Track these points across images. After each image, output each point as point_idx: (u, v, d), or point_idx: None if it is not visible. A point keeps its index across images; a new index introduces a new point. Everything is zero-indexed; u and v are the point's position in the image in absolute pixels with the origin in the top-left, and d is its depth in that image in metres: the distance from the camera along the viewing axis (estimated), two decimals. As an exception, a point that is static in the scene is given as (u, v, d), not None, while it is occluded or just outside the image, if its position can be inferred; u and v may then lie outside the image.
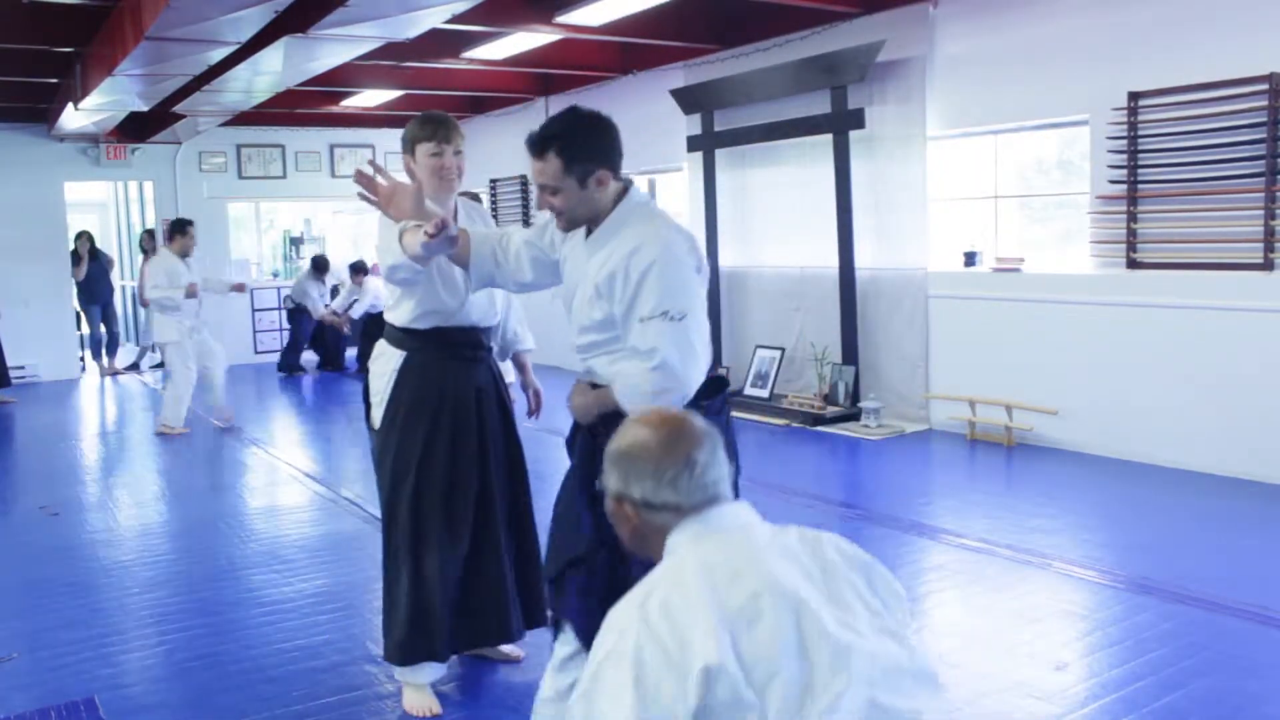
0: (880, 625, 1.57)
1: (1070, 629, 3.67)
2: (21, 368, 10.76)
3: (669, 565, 1.60)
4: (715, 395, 2.71)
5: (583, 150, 2.50)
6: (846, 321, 7.40)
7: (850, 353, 7.40)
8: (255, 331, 12.50)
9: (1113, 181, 5.89)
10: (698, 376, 2.50)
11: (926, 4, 6.80)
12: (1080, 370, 6.14)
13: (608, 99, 9.86)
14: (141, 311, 13.08)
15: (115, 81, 6.82)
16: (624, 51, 9.10)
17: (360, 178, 2.92)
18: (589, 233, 2.60)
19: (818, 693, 1.46)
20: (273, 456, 7.14)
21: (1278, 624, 3.58)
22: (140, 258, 12.66)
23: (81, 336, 12.16)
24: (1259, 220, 5.31)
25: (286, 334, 11.77)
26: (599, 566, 2.57)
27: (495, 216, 10.85)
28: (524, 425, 3.40)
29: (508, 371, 3.56)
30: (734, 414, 8.84)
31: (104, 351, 11.77)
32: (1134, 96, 5.74)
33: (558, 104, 10.58)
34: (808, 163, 7.67)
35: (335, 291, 11.69)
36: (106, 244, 13.68)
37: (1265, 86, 5.20)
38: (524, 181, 11.14)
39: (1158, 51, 5.67)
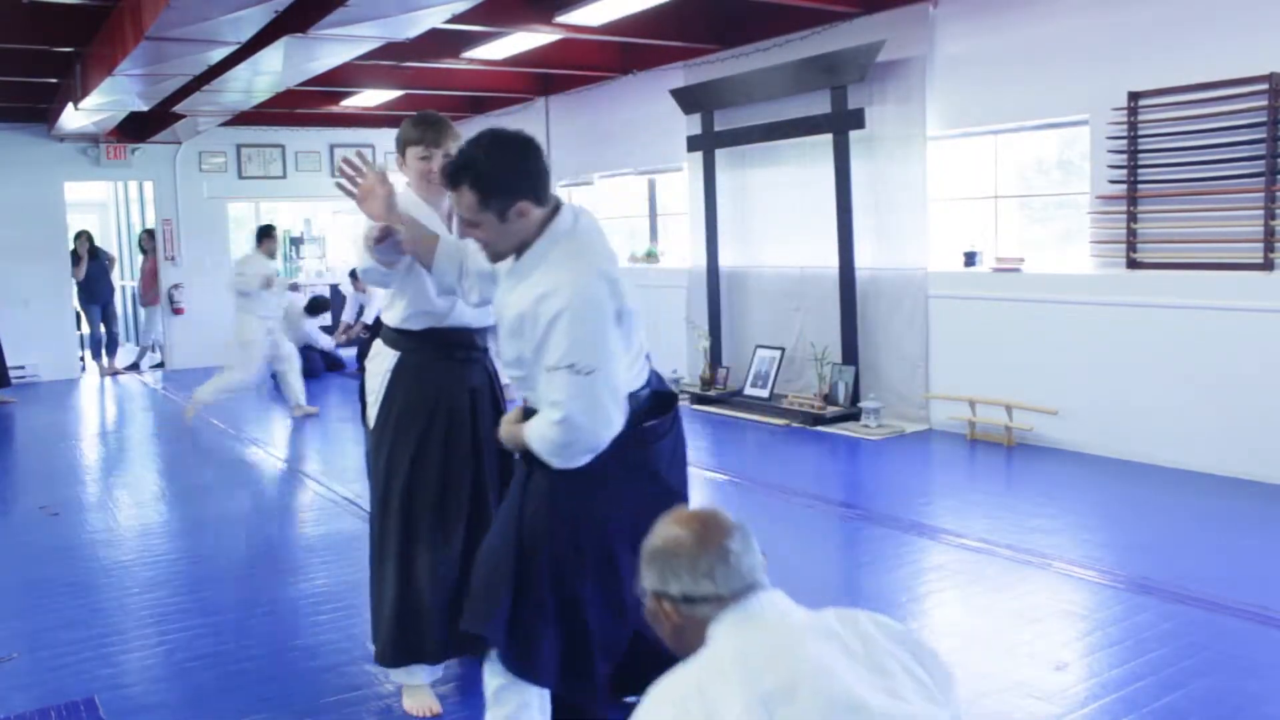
0: (927, 694, 1.57)
1: (1070, 629, 3.67)
2: (21, 368, 10.76)
3: (706, 653, 1.60)
4: (664, 414, 2.67)
5: (498, 182, 2.38)
6: (846, 321, 7.40)
7: (850, 353, 7.40)
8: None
9: (1113, 181, 5.89)
10: (608, 432, 2.40)
11: (926, 4, 6.80)
12: (1080, 370, 6.14)
13: (608, 99, 9.87)
14: (141, 311, 13.11)
15: (115, 81, 6.82)
16: (624, 51, 9.09)
17: (345, 167, 2.92)
18: (518, 256, 2.49)
19: None
20: (273, 456, 7.14)
21: (1278, 624, 3.58)
22: (140, 258, 12.70)
23: (81, 336, 12.16)
24: (1259, 220, 5.31)
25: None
26: (528, 592, 2.52)
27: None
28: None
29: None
30: (734, 414, 8.82)
31: (104, 351, 11.78)
32: (1134, 96, 5.74)
33: (558, 104, 10.59)
34: (808, 163, 7.67)
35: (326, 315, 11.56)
36: (106, 244, 13.67)
37: (1265, 86, 5.20)
38: (524, 181, 11.13)
39: (1158, 51, 5.67)
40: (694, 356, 8.73)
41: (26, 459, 7.59)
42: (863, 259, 7.31)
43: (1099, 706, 3.04)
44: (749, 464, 6.39)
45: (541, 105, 10.77)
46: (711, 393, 8.25)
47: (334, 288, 12.66)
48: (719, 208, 8.47)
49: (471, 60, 8.59)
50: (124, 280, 13.96)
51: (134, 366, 12.30)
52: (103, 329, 11.75)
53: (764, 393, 7.91)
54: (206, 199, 12.17)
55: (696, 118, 8.48)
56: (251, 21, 5.38)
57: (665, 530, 1.73)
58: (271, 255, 8.63)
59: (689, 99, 8.48)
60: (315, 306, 10.96)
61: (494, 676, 2.59)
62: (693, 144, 8.58)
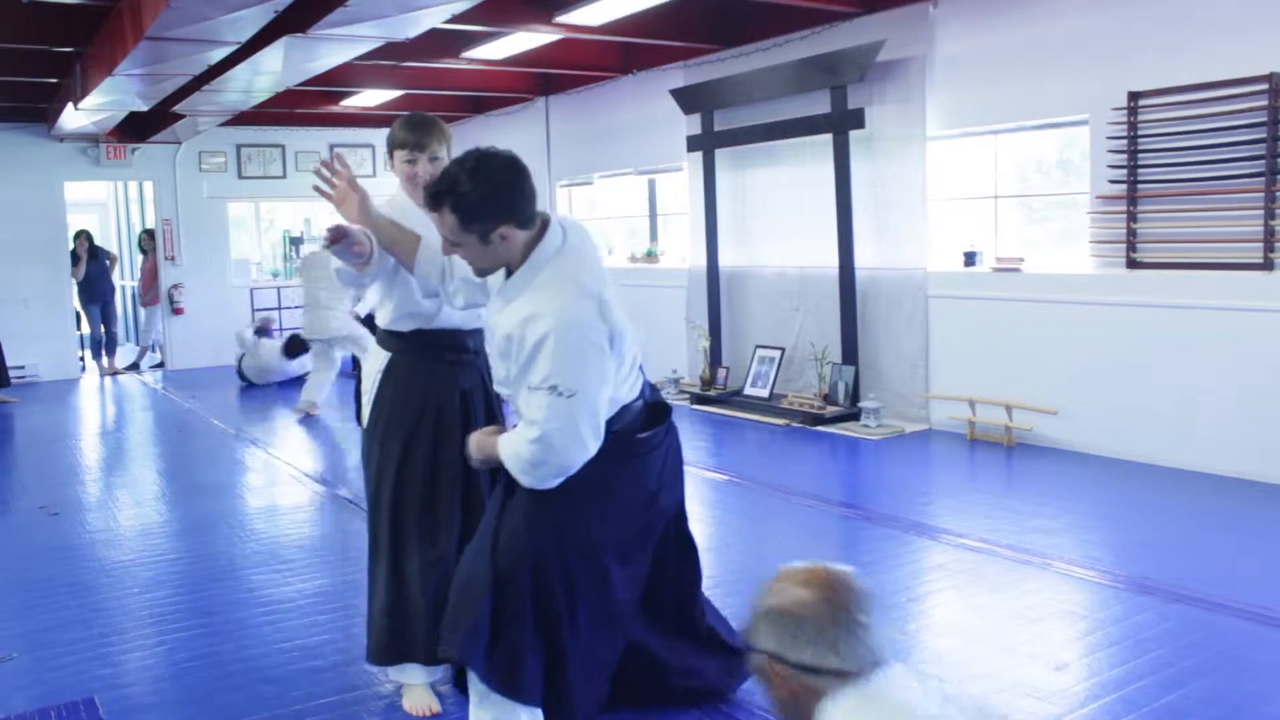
0: None
1: (1070, 629, 3.67)
2: (21, 368, 10.76)
3: None
4: (657, 425, 2.69)
5: (478, 208, 2.38)
6: (846, 321, 7.40)
7: (850, 353, 7.40)
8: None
9: (1112, 181, 5.89)
10: (580, 456, 2.42)
11: (926, 4, 6.80)
12: (1080, 370, 6.14)
13: (608, 99, 9.87)
14: (141, 311, 13.10)
15: (115, 81, 6.82)
16: (624, 51, 9.09)
17: (322, 170, 2.92)
18: (508, 274, 2.51)
19: None
20: (272, 456, 7.14)
21: (1278, 624, 3.58)
22: (140, 258, 12.70)
23: (81, 336, 12.16)
24: (1259, 220, 5.31)
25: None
26: (508, 608, 2.54)
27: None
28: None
29: None
30: (734, 414, 8.79)
31: (103, 351, 11.77)
32: (1134, 96, 5.74)
33: (558, 104, 10.60)
34: (808, 163, 7.67)
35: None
36: (106, 244, 13.67)
37: (1265, 86, 5.20)
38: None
39: (1158, 51, 5.67)
40: (694, 356, 8.73)
41: (26, 459, 7.59)
42: (863, 259, 7.31)
43: (1099, 706, 3.04)
44: (749, 464, 6.38)
45: (541, 105, 10.77)
46: (711, 393, 8.25)
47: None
48: (719, 208, 8.47)
49: (471, 60, 8.59)
50: (124, 280, 13.95)
51: (134, 366, 12.30)
52: (102, 329, 11.75)
53: (764, 393, 7.91)
54: (206, 199, 12.17)
55: (696, 118, 8.48)
56: (251, 21, 5.37)
57: (789, 590, 1.59)
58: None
59: (689, 99, 8.48)
60: (293, 349, 10.42)
61: (477, 683, 2.61)
62: (693, 144, 8.58)
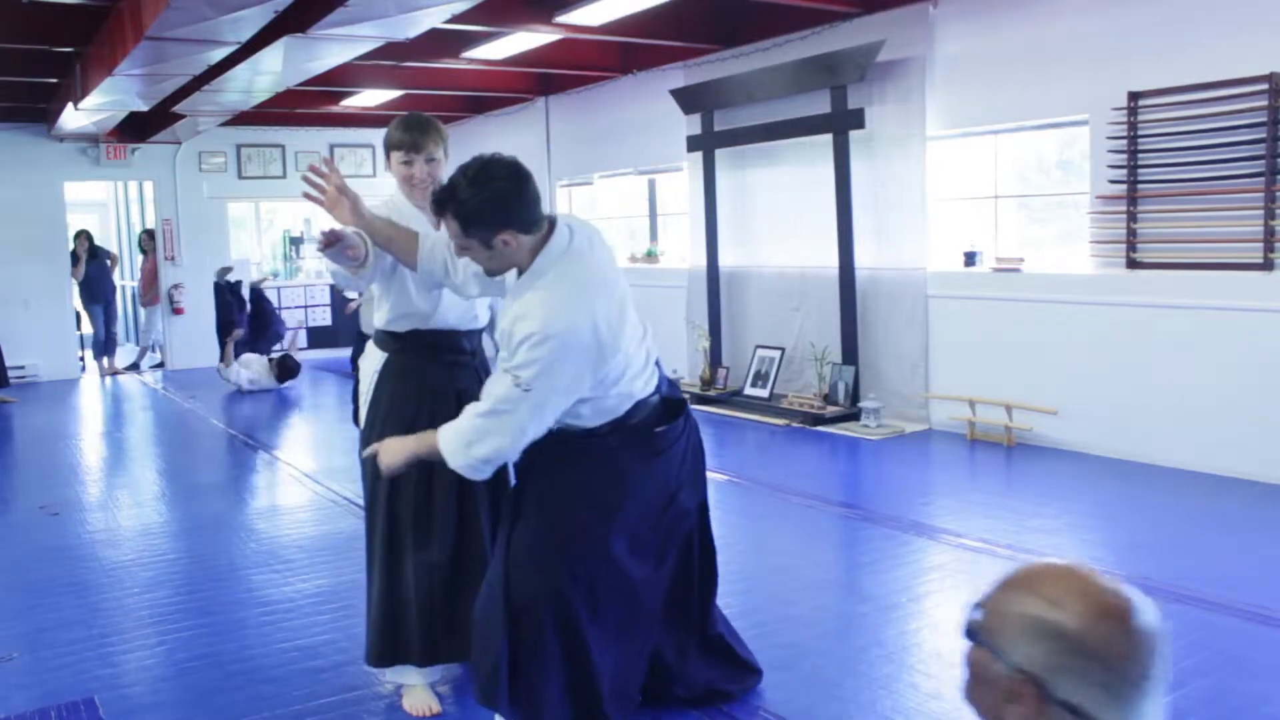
0: None
1: (1070, 629, 3.66)
2: (21, 368, 10.76)
3: None
4: (674, 419, 2.70)
5: (480, 215, 2.43)
6: (846, 321, 7.40)
7: (850, 353, 7.40)
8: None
9: (1113, 181, 5.89)
10: (513, 448, 2.52)
11: (926, 4, 6.80)
12: (1080, 370, 6.14)
13: (608, 99, 9.87)
14: (141, 311, 13.11)
15: (115, 81, 6.82)
16: (624, 51, 9.09)
17: (311, 175, 2.92)
18: (519, 273, 2.57)
19: None
20: (272, 456, 7.14)
21: (1278, 624, 3.58)
22: (140, 257, 12.70)
23: (81, 336, 12.15)
24: (1259, 220, 5.31)
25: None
26: (525, 637, 2.57)
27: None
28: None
29: None
30: (734, 414, 8.77)
31: (104, 351, 11.77)
32: (1134, 96, 5.74)
33: (558, 104, 10.60)
34: (808, 163, 7.67)
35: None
36: (106, 244, 13.66)
37: (1265, 86, 5.20)
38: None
39: (1158, 51, 5.67)
40: (694, 356, 8.73)
41: (26, 459, 7.59)
42: (863, 259, 7.31)
43: (1099, 706, 3.03)
44: (749, 464, 6.38)
45: (541, 105, 10.77)
46: (711, 393, 8.25)
47: (332, 287, 12.65)
48: (719, 208, 8.47)
49: (471, 60, 8.59)
50: (124, 280, 13.95)
51: (134, 366, 12.30)
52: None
53: (764, 393, 7.91)
54: (206, 199, 12.18)
55: (696, 118, 8.48)
56: (251, 21, 5.37)
57: (1085, 611, 1.23)
58: None
59: (689, 99, 8.48)
60: (286, 371, 10.18)
61: None
62: (693, 144, 8.58)
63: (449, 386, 3.12)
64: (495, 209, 2.43)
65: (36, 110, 10.32)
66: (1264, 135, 5.23)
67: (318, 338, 12.96)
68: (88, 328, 11.92)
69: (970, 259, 6.87)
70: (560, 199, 10.96)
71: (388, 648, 3.08)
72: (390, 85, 9.69)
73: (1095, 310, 6.07)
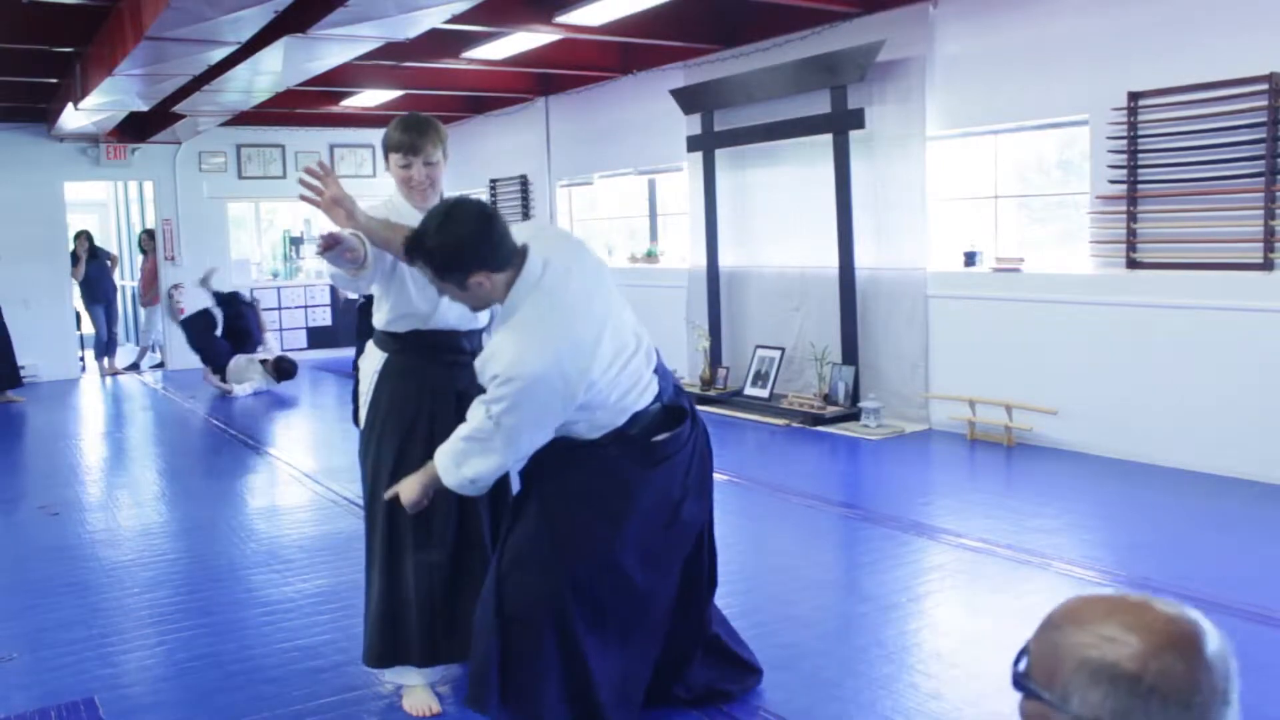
0: None
1: (1070, 629, 3.66)
2: (22, 367, 10.75)
3: None
4: (677, 425, 2.69)
5: (449, 261, 2.49)
6: (846, 321, 7.40)
7: (850, 353, 7.40)
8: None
9: (1113, 181, 5.89)
10: (497, 472, 2.60)
11: (926, 4, 6.80)
12: (1080, 370, 6.14)
13: (608, 99, 9.87)
14: (141, 311, 13.11)
15: (115, 81, 6.82)
16: (624, 51, 9.09)
17: (306, 177, 2.91)
18: (502, 301, 2.61)
19: None
20: (273, 456, 7.14)
21: (1278, 624, 3.58)
22: (139, 257, 12.70)
23: (81, 336, 12.15)
24: (1259, 220, 5.31)
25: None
26: (518, 643, 2.58)
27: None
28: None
29: None
30: (734, 414, 8.76)
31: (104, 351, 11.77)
32: (1134, 96, 5.74)
33: (558, 104, 10.60)
34: (808, 163, 7.67)
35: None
36: (106, 244, 13.66)
37: (1265, 86, 5.20)
38: (524, 182, 11.15)
39: (1158, 51, 5.67)
40: (694, 356, 8.73)
41: (27, 459, 7.60)
42: (863, 259, 7.31)
43: (1099, 706, 3.03)
44: (749, 464, 6.38)
45: (541, 105, 10.77)
46: (711, 393, 8.25)
47: (333, 287, 12.65)
48: (719, 208, 8.47)
49: (471, 60, 8.59)
50: (124, 280, 13.95)
51: (134, 366, 12.29)
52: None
53: (764, 393, 7.91)
54: (206, 199, 12.18)
55: (696, 118, 8.48)
56: (251, 21, 5.37)
57: (1142, 645, 1.11)
58: None
59: (689, 99, 8.48)
60: (283, 372, 10.03)
61: None
62: (693, 144, 8.58)
63: (449, 387, 3.11)
64: (464, 254, 2.47)
65: (36, 110, 10.32)
66: (1264, 135, 5.23)
67: (318, 338, 12.96)
68: (88, 328, 11.92)
69: (970, 259, 6.87)
70: (560, 199, 10.96)
71: (387, 648, 3.08)
72: (390, 85, 9.69)
73: (1095, 310, 6.07)
